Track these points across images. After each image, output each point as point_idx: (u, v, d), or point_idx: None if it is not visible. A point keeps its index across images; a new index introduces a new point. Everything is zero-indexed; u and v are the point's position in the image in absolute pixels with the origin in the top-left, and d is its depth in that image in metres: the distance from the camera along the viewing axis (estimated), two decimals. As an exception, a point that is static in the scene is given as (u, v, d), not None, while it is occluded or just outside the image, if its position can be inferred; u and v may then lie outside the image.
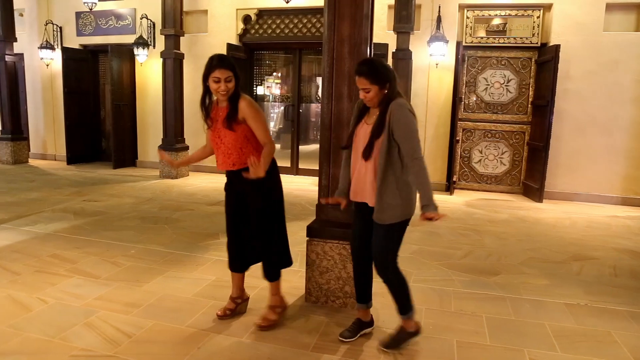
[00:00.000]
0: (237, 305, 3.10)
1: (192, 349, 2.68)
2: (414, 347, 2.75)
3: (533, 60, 7.49)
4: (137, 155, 9.69)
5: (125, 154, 9.44)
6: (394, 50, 7.29)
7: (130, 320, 2.99)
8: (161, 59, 8.35)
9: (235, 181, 2.88)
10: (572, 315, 3.26)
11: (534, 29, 7.36)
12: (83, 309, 3.13)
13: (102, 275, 3.74)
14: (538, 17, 7.32)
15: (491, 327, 3.04)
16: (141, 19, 8.93)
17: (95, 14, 9.37)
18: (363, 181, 2.62)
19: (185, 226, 5.26)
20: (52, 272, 3.77)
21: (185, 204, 6.38)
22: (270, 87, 9.34)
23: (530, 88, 7.55)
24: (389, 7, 7.68)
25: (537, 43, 7.37)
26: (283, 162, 8.48)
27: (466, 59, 7.69)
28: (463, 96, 7.75)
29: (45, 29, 9.63)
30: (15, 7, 9.33)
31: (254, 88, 9.09)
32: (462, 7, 7.57)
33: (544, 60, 7.17)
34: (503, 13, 7.45)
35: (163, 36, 8.29)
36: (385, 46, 7.45)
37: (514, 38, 7.44)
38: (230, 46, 8.16)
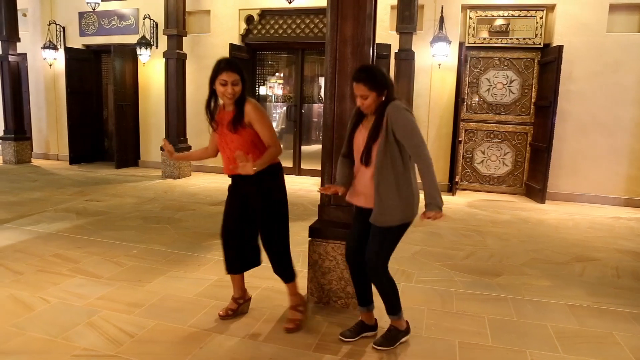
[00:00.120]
0: (239, 306, 3.11)
1: (194, 349, 2.68)
2: (415, 348, 2.76)
3: (536, 61, 7.48)
4: (140, 155, 9.70)
5: (127, 154, 9.46)
6: (397, 51, 7.30)
7: (132, 320, 2.99)
8: (164, 59, 8.37)
9: (241, 184, 2.88)
10: (574, 317, 3.25)
11: (536, 29, 7.34)
12: (85, 308, 3.13)
13: (105, 275, 3.74)
14: (541, 17, 7.31)
15: (493, 328, 3.04)
16: (144, 19, 8.95)
17: (98, 14, 9.40)
18: (365, 185, 2.62)
19: (188, 226, 5.27)
20: (55, 271, 3.78)
21: (187, 204, 6.39)
22: (273, 88, 9.35)
23: (533, 89, 7.53)
24: (392, 7, 7.67)
25: (540, 44, 7.36)
26: (285, 163, 8.41)
27: (469, 59, 7.68)
28: (465, 97, 7.74)
29: (49, 29, 9.65)
30: (18, 7, 9.37)
31: (257, 88, 9.10)
32: (464, 8, 7.56)
33: (547, 61, 7.16)
34: (506, 14, 7.44)
35: (166, 36, 8.31)
36: (387, 47, 7.45)
37: (517, 39, 7.43)
38: (232, 46, 8.17)
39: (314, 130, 9.44)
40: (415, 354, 2.70)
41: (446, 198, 7.20)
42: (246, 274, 3.10)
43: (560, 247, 4.89)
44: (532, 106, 7.56)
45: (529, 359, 2.68)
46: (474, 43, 7.59)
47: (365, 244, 2.70)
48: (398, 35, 7.28)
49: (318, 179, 3.64)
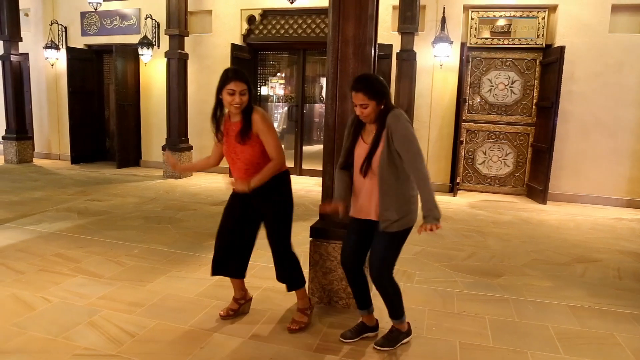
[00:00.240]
0: (240, 306, 3.11)
1: (195, 348, 2.68)
2: (416, 348, 2.75)
3: (538, 61, 7.47)
4: (141, 155, 9.71)
5: (129, 153, 9.47)
6: (398, 51, 7.29)
7: (133, 319, 3.00)
8: (165, 59, 8.36)
9: (249, 194, 2.85)
10: (576, 318, 3.25)
11: (538, 30, 7.33)
12: (86, 308, 3.14)
13: (106, 274, 3.75)
14: (543, 18, 7.30)
15: (494, 329, 3.03)
16: (146, 19, 8.96)
17: (100, 14, 9.41)
18: (368, 198, 2.62)
19: (189, 226, 5.27)
20: (56, 271, 3.78)
21: (188, 203, 6.40)
22: (274, 88, 9.35)
23: (535, 89, 7.52)
24: (394, 7, 7.67)
25: (541, 44, 7.35)
26: (287, 163, 8.45)
27: (470, 60, 7.68)
28: (467, 97, 7.73)
29: (50, 28, 9.66)
30: (20, 7, 9.39)
31: (258, 88, 9.09)
32: (466, 8, 7.55)
33: (549, 62, 7.15)
34: (508, 14, 7.43)
35: (167, 36, 8.31)
36: (389, 47, 7.45)
37: (519, 39, 7.42)
38: (234, 46, 8.17)
39: (315, 131, 9.44)
40: (416, 355, 2.70)
41: (447, 199, 7.22)
42: (247, 274, 3.10)
43: (561, 248, 4.88)
44: (533, 107, 7.55)
45: (530, 360, 2.68)
46: (476, 43, 7.59)
47: (361, 253, 2.72)
48: (400, 36, 7.28)
49: (319, 179, 3.65)
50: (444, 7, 7.44)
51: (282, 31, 8.57)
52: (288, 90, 9.25)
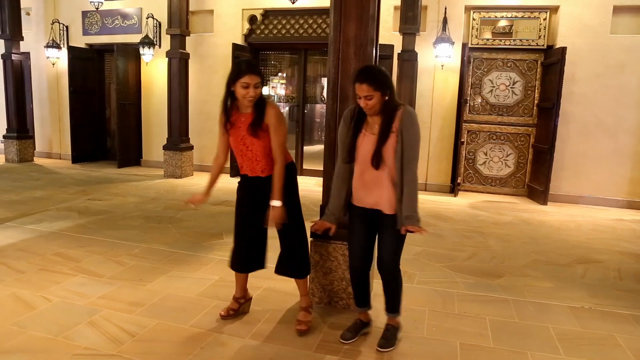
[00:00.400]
0: (240, 306, 3.11)
1: (195, 348, 2.68)
2: (416, 349, 2.75)
3: (539, 62, 7.46)
4: (142, 154, 9.71)
5: (130, 153, 9.47)
6: (400, 52, 7.29)
7: (133, 319, 3.00)
8: (167, 59, 8.36)
9: (256, 185, 2.86)
10: (576, 318, 3.24)
11: (540, 31, 7.33)
12: (87, 307, 3.14)
13: (106, 274, 3.75)
14: (544, 19, 7.29)
15: (495, 330, 3.03)
16: (147, 18, 8.96)
17: (101, 13, 9.42)
18: (378, 188, 2.59)
19: (189, 226, 5.27)
20: (56, 270, 3.78)
21: (189, 203, 6.39)
22: (276, 88, 9.35)
23: (536, 90, 7.52)
24: (395, 8, 7.67)
25: (543, 45, 7.34)
26: (287, 163, 8.47)
27: (472, 60, 7.67)
28: (468, 98, 7.73)
29: (52, 28, 9.67)
30: (22, 6, 9.40)
31: (259, 88, 9.08)
32: (468, 9, 7.55)
33: (550, 63, 7.14)
34: (509, 15, 7.42)
35: (169, 36, 8.31)
36: (391, 47, 7.44)
37: (520, 40, 7.41)
38: (235, 46, 8.17)
39: (316, 131, 9.44)
40: (416, 355, 2.70)
41: (448, 199, 7.22)
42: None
43: (562, 249, 4.88)
44: (534, 108, 7.55)
45: (530, 361, 2.67)
46: (477, 44, 7.58)
47: (370, 254, 2.74)
48: (401, 36, 7.28)
49: (320, 179, 3.65)
50: (446, 8, 7.43)
51: (283, 31, 8.57)
52: (289, 90, 9.25)
